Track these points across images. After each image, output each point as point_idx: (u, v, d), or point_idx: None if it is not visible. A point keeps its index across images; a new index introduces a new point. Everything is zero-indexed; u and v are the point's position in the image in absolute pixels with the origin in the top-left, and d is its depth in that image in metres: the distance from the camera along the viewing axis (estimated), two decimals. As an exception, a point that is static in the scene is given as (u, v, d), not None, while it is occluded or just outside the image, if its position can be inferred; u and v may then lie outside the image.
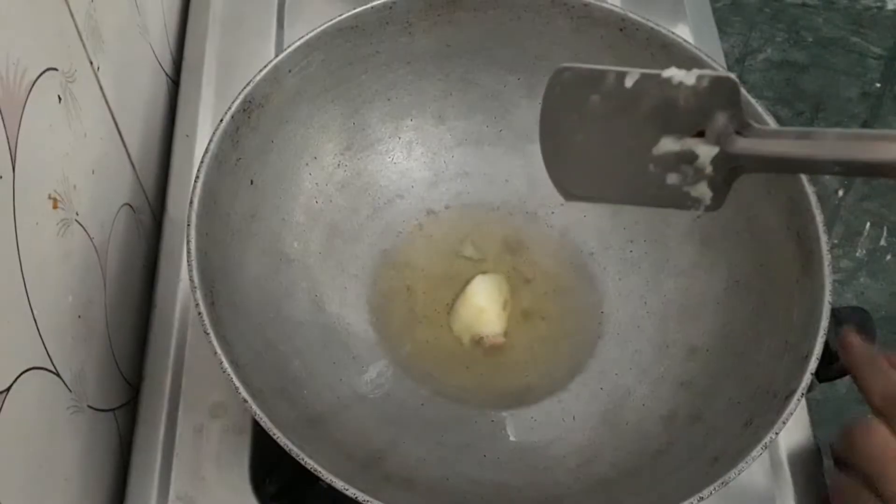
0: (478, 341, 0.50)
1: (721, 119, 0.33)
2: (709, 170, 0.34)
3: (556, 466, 0.46)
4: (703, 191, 0.35)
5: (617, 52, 0.50)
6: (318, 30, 0.48)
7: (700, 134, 0.34)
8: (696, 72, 0.33)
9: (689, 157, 0.34)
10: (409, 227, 0.54)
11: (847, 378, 0.46)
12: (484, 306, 0.51)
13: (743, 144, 0.33)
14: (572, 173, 0.38)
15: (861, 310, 0.50)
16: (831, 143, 0.31)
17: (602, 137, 0.36)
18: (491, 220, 0.55)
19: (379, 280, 0.52)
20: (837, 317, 0.48)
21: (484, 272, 0.52)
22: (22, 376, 0.35)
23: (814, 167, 0.32)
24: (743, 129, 0.33)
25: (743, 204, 0.48)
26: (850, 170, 0.32)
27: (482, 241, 0.54)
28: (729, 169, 0.34)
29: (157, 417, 0.50)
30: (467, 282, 0.52)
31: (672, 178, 0.35)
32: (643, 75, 0.34)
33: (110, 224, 0.49)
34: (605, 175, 0.37)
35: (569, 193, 0.38)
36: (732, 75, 0.33)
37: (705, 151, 0.34)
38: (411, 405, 0.48)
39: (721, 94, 0.33)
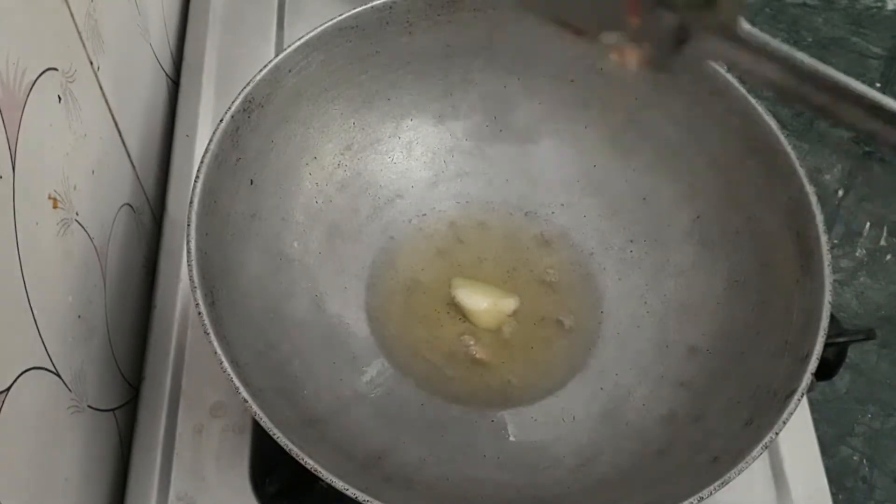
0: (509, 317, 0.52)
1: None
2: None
3: (556, 466, 0.46)
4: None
5: (617, 52, 0.50)
6: (318, 30, 0.48)
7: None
8: None
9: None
10: (409, 227, 0.54)
11: (847, 378, 0.46)
12: (491, 298, 0.52)
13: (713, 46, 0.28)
14: None
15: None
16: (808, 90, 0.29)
17: None
18: (491, 220, 0.55)
19: (379, 280, 0.52)
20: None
21: (465, 277, 0.53)
22: (22, 376, 0.35)
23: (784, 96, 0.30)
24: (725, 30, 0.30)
25: (743, 204, 0.48)
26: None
27: (482, 241, 0.54)
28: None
29: (157, 417, 0.50)
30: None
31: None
32: None
33: (110, 224, 0.49)
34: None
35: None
36: None
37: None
38: (411, 405, 0.48)
39: None
